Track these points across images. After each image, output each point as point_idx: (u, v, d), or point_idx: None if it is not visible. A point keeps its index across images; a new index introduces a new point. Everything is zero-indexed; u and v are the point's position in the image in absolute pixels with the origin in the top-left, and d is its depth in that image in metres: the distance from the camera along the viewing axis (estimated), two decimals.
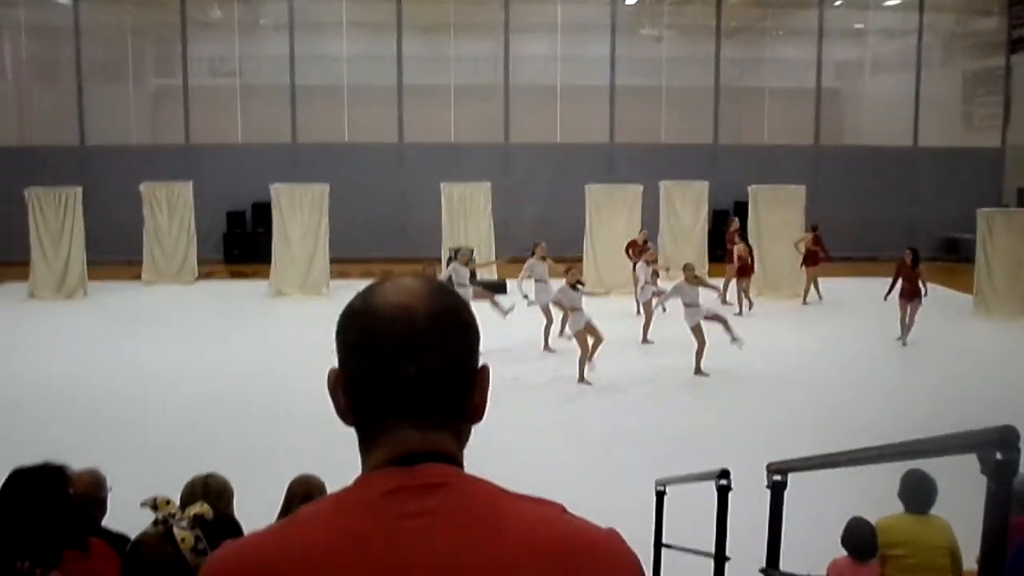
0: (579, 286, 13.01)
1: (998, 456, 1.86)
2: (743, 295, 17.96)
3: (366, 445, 1.30)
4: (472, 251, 19.42)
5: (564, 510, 1.28)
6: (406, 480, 1.23)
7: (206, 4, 25.92)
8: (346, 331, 1.31)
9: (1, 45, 25.35)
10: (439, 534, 1.20)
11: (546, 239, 16.33)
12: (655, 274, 15.72)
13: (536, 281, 15.13)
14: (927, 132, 26.33)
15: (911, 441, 2.35)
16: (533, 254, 15.55)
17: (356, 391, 1.29)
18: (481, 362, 1.34)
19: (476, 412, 1.34)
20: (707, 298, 13.84)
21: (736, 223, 19.48)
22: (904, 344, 15.03)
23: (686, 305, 13.25)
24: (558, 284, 13.54)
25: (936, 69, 27.05)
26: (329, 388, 1.33)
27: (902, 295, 15.15)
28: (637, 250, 17.40)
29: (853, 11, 26.96)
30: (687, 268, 13.76)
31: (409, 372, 1.26)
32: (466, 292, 14.31)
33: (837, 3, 26.71)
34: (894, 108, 26.46)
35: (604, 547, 1.26)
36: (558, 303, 13.18)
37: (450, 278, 14.78)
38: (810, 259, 18.86)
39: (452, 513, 1.21)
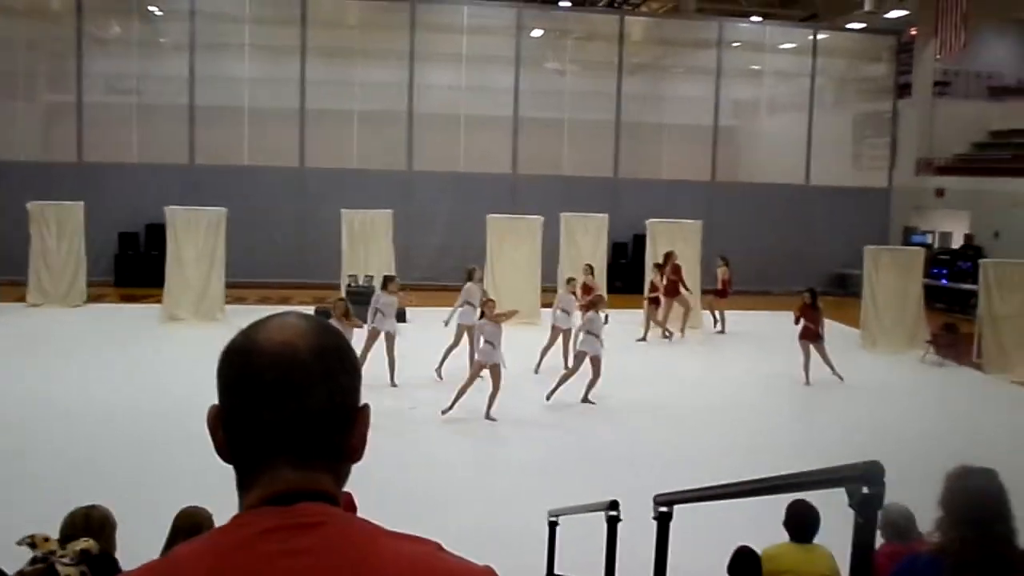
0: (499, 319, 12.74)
1: (864, 490, 1.94)
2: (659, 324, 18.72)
3: (243, 483, 1.30)
4: (371, 277, 19.38)
5: (440, 547, 1.29)
6: (284, 519, 1.23)
7: (104, 20, 25.33)
8: (227, 368, 1.31)
9: None
10: (316, 573, 1.20)
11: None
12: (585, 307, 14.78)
13: (467, 304, 14.91)
14: (819, 171, 27.27)
15: (786, 475, 2.43)
16: (471, 279, 15.39)
17: (235, 428, 1.29)
18: (362, 402, 1.36)
19: (355, 451, 1.35)
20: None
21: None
22: (841, 380, 15.00)
23: (589, 333, 13.33)
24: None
25: (828, 111, 28.10)
26: (208, 425, 1.32)
27: (803, 336, 15.20)
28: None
29: (750, 53, 27.80)
30: (599, 300, 13.84)
31: (289, 409, 1.27)
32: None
33: (735, 44, 27.53)
34: (788, 147, 27.36)
35: None
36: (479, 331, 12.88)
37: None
38: (722, 291, 19.50)
39: (330, 552, 1.21)
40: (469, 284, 15.30)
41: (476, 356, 12.77)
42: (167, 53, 25.32)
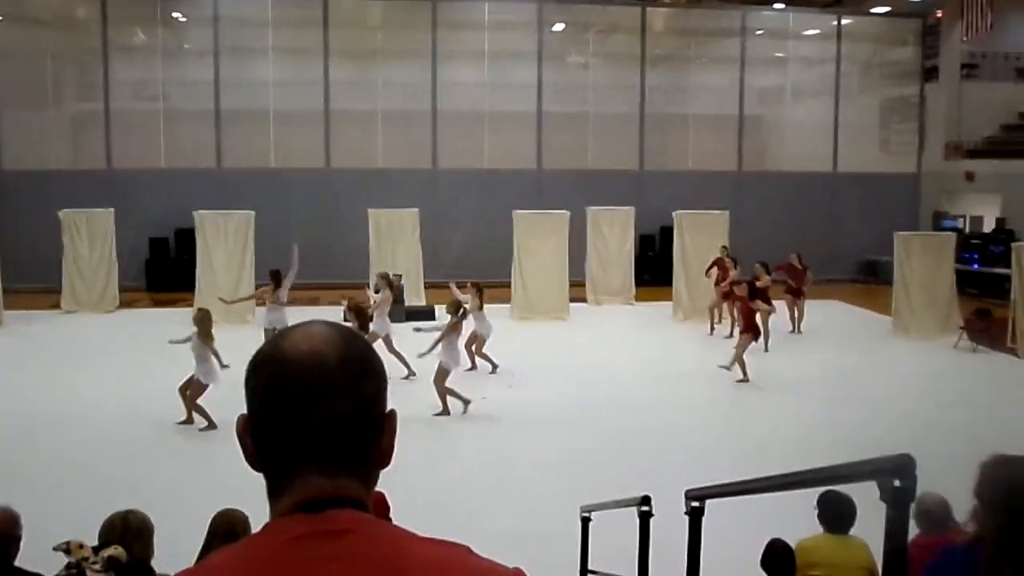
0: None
1: (896, 483, 1.93)
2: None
3: (274, 491, 1.31)
4: (400, 276, 19.46)
5: (470, 551, 1.30)
6: (314, 526, 1.24)
7: (129, 27, 25.55)
8: (255, 377, 1.32)
9: None
10: None
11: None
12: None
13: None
14: (846, 158, 27.08)
15: (815, 469, 2.42)
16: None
17: (264, 436, 1.30)
18: (388, 407, 1.37)
19: (384, 457, 1.36)
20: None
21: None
22: (727, 369, 14.47)
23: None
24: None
25: (854, 96, 27.87)
26: (238, 434, 1.34)
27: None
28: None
29: (774, 40, 27.64)
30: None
31: (317, 416, 1.28)
32: None
33: (758, 32, 27.37)
34: (814, 134, 27.16)
35: None
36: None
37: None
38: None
39: (360, 558, 1.22)
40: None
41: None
42: (192, 59, 25.53)
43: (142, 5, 25.17)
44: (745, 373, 14.32)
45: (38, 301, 20.44)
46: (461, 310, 12.77)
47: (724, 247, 18.82)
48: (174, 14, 25.58)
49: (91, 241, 20.46)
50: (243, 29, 25.16)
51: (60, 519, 6.05)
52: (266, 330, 13.54)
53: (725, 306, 18.07)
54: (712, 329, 18.19)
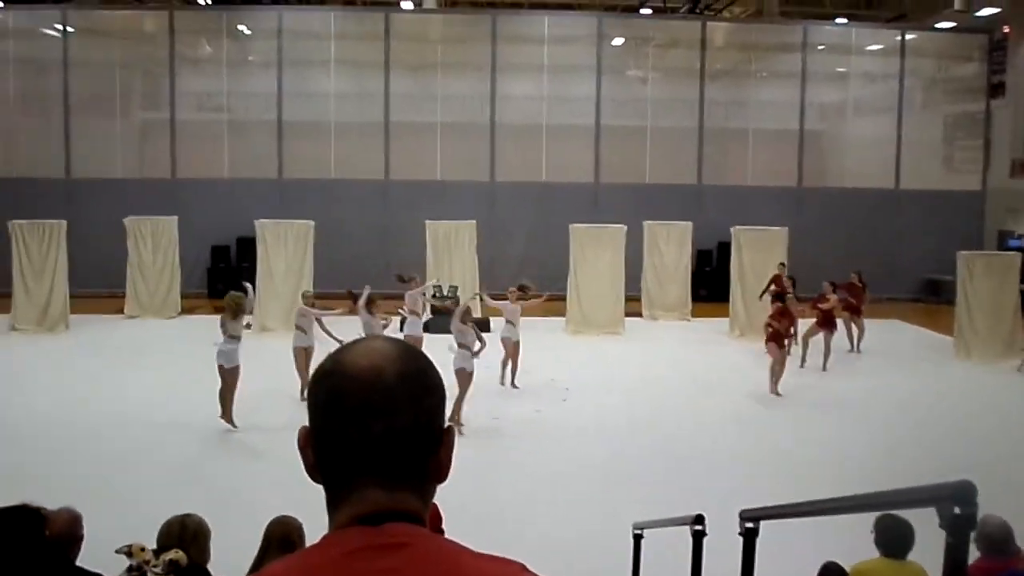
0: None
1: (956, 511, 1.90)
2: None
3: (333, 503, 1.34)
4: (455, 288, 19.58)
5: (524, 568, 1.31)
6: (371, 539, 1.26)
7: (195, 40, 26.09)
8: (316, 391, 1.36)
9: None
10: None
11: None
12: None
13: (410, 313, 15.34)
14: (908, 174, 26.62)
15: (873, 493, 2.39)
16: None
17: (324, 449, 1.34)
18: (446, 423, 1.39)
19: (441, 472, 1.38)
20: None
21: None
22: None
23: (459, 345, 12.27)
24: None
25: (917, 113, 27.41)
26: (299, 445, 1.37)
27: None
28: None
29: (836, 55, 27.31)
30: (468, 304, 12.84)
31: (376, 430, 1.31)
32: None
33: (820, 47, 27.07)
34: (876, 150, 26.77)
35: None
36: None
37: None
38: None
39: (416, 572, 1.24)
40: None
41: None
42: (256, 70, 25.95)
43: (208, 18, 25.73)
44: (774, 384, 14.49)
45: (103, 306, 20.91)
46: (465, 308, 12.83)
47: (782, 264, 18.65)
48: (239, 27, 26.05)
49: (155, 248, 20.92)
50: (306, 42, 25.54)
51: (117, 521, 6.17)
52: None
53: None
54: None
